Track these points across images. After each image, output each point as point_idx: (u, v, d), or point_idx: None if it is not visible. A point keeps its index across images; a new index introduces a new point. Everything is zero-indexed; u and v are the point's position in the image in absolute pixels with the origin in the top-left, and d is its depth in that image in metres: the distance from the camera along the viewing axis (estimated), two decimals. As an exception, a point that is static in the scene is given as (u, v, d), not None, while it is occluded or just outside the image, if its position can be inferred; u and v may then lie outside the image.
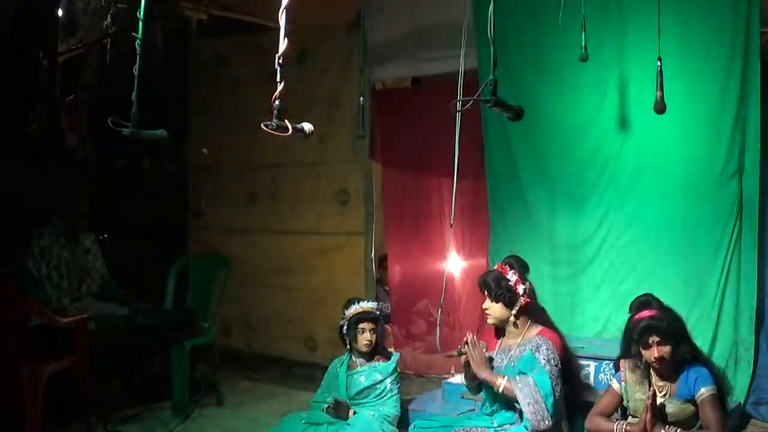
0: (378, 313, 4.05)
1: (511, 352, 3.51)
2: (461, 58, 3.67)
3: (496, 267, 3.66)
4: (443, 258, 5.31)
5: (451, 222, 3.91)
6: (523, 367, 3.38)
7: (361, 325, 3.95)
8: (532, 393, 3.25)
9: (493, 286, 3.54)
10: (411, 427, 3.51)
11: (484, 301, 3.60)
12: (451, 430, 3.42)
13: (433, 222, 5.33)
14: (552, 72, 4.52)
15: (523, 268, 3.62)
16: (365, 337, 3.94)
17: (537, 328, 3.53)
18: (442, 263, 5.33)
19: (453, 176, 3.51)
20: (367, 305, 4.03)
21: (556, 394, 3.33)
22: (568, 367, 3.55)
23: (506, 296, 3.52)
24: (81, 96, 8.01)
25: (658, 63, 3.21)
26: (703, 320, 3.94)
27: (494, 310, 3.56)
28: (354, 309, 3.99)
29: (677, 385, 3.10)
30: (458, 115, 3.12)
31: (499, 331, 3.66)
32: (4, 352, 3.61)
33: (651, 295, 3.27)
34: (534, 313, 3.62)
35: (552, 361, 3.38)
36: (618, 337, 3.37)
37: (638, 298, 3.31)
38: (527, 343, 3.47)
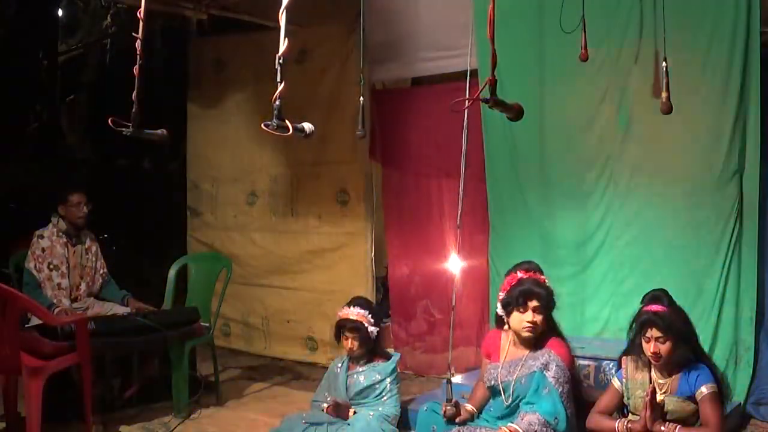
0: (359, 322, 3.87)
1: (519, 366, 3.32)
2: (469, 56, 3.63)
3: (520, 274, 3.37)
4: (443, 258, 5.31)
5: (459, 224, 3.70)
6: (532, 388, 3.24)
7: (345, 332, 3.92)
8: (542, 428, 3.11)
9: (545, 295, 3.27)
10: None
11: (524, 313, 3.26)
12: (455, 429, 3.34)
13: (433, 222, 5.31)
14: (552, 72, 4.52)
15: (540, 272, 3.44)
16: (347, 344, 3.91)
17: (547, 339, 3.35)
18: (442, 263, 5.32)
19: (459, 176, 3.42)
20: (352, 311, 3.90)
21: (569, 412, 3.20)
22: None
23: (552, 305, 3.31)
24: (81, 96, 8.03)
25: (664, 64, 3.20)
26: (703, 320, 3.94)
27: (539, 321, 3.27)
28: (341, 313, 3.94)
29: (678, 383, 3.09)
30: (465, 113, 3.09)
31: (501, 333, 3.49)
32: (4, 352, 3.61)
33: (664, 291, 3.23)
34: (548, 319, 3.40)
35: (561, 379, 3.22)
36: (618, 338, 3.36)
37: (651, 291, 3.26)
38: (536, 358, 3.29)
